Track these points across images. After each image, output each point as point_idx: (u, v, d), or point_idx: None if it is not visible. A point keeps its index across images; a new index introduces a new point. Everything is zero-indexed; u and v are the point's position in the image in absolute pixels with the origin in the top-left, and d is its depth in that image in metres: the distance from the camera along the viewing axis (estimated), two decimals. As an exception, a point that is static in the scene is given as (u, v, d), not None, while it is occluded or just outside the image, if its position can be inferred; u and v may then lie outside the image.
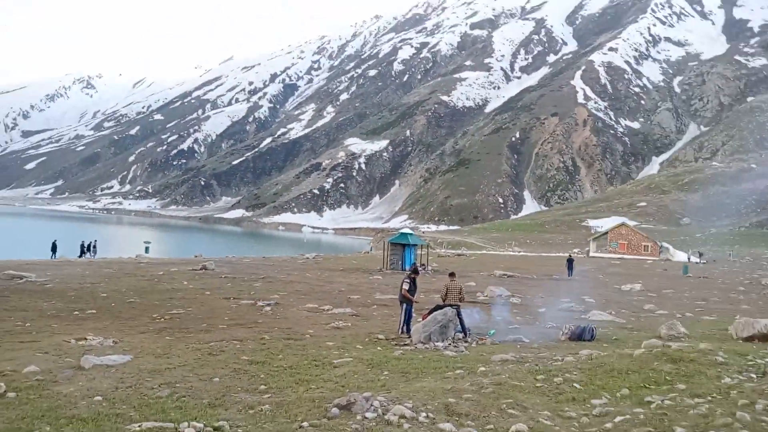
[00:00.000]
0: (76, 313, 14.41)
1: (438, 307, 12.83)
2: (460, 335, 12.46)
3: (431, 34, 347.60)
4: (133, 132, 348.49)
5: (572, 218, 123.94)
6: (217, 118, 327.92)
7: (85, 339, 10.94)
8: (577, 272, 34.29)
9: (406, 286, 12.86)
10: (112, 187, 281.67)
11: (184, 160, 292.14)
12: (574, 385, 7.26)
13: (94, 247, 44.54)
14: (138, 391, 7.33)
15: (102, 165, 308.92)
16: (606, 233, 76.01)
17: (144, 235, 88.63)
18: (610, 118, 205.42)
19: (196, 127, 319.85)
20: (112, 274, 24.03)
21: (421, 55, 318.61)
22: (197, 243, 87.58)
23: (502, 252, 72.19)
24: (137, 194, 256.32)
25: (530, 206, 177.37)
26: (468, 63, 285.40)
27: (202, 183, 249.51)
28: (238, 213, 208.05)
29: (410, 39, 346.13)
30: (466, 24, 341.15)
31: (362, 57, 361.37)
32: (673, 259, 61.72)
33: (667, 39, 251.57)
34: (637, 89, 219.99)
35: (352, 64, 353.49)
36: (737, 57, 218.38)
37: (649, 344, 9.85)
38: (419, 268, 15.77)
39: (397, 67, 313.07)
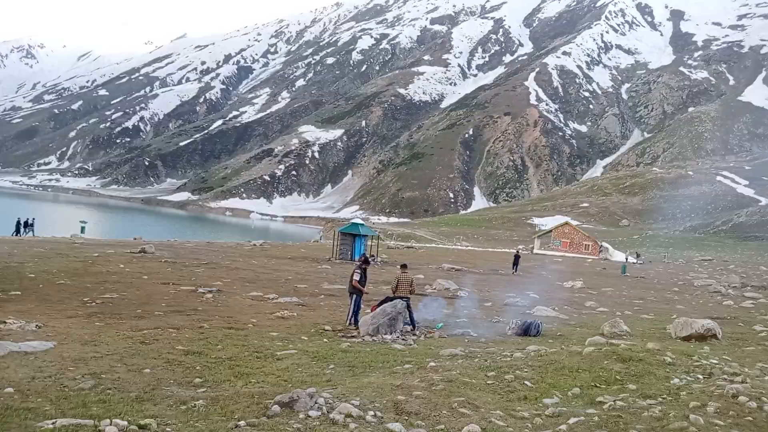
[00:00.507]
0: (-3, 294, 13.31)
1: (388, 299, 12.56)
2: (408, 328, 12.25)
3: (391, 26, 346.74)
4: (75, 107, 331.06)
5: (518, 215, 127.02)
6: (165, 97, 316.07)
7: (5, 323, 10.03)
8: (521, 268, 34.95)
9: (357, 277, 12.52)
10: (49, 163, 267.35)
11: (129, 139, 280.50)
12: (525, 383, 7.11)
13: (32, 225, 42.26)
14: (58, 382, 6.68)
15: (40, 139, 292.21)
16: (550, 231, 78.09)
17: (80, 215, 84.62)
18: (560, 120, 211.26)
19: (143, 105, 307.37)
20: (42, 254, 22.55)
21: (381, 47, 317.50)
22: (138, 225, 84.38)
23: (451, 246, 73.01)
24: (76, 172, 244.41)
25: (479, 202, 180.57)
26: (426, 57, 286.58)
27: (147, 163, 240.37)
28: (183, 196, 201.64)
29: (370, 29, 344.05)
30: (427, 18, 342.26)
31: (321, 44, 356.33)
32: (612, 258, 64.03)
33: (618, 46, 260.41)
34: (586, 93, 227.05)
35: (310, 51, 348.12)
36: (682, 68, 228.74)
37: (593, 341, 9.91)
38: (369, 259, 15.46)
39: (355, 56, 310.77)
